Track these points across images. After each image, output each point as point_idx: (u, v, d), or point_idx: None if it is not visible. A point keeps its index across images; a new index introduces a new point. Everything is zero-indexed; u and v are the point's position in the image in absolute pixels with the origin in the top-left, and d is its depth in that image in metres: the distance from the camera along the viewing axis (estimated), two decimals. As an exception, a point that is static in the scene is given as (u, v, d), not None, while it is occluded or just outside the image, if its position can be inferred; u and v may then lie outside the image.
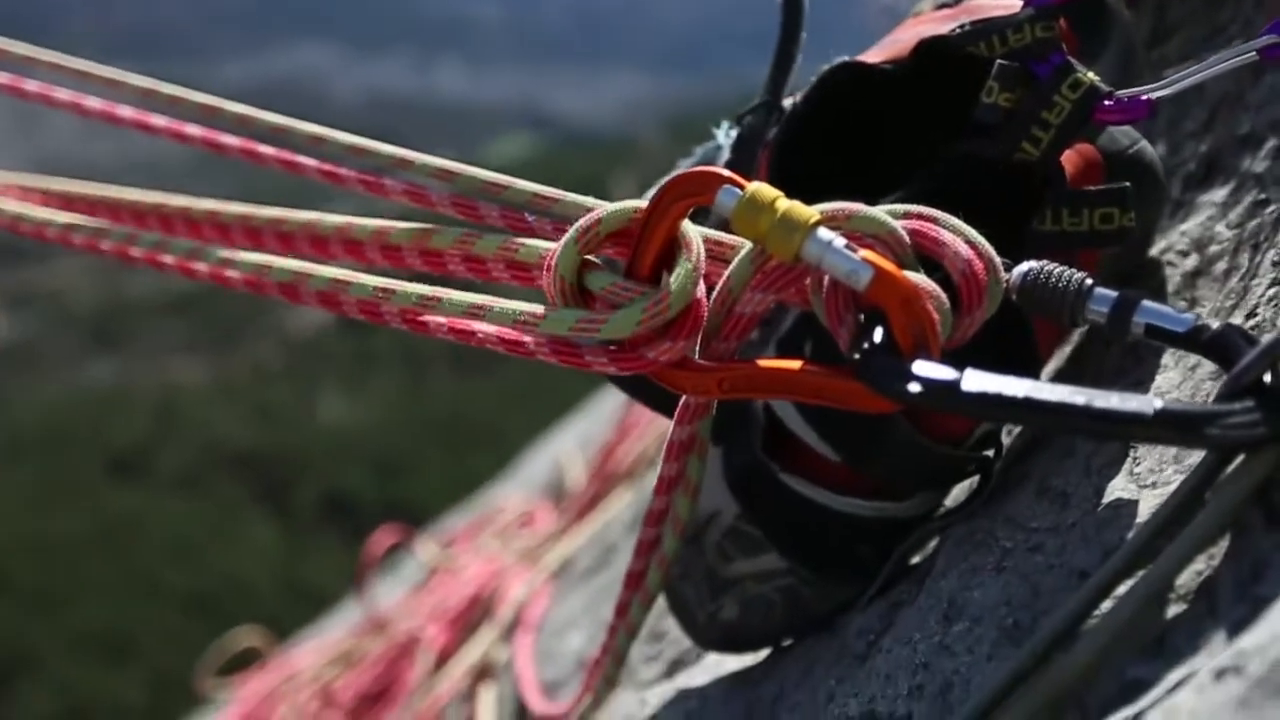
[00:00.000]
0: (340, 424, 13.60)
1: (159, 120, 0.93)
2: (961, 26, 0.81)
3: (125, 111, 0.95)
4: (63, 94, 0.99)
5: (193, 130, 0.91)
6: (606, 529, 1.98)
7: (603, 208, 0.68)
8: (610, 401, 2.73)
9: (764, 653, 0.97)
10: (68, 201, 0.96)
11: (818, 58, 0.88)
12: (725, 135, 0.91)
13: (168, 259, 0.86)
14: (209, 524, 11.57)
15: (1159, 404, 0.55)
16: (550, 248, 0.69)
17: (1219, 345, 0.60)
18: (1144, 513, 0.65)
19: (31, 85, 1.00)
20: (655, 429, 2.04)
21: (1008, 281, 0.66)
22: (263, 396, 14.41)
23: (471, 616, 2.02)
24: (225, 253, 0.84)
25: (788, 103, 0.88)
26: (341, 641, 2.42)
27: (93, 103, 0.97)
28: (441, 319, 0.74)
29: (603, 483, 2.13)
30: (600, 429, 2.53)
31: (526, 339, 0.70)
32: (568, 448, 2.73)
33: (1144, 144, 0.83)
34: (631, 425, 2.14)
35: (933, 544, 0.85)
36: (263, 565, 10.94)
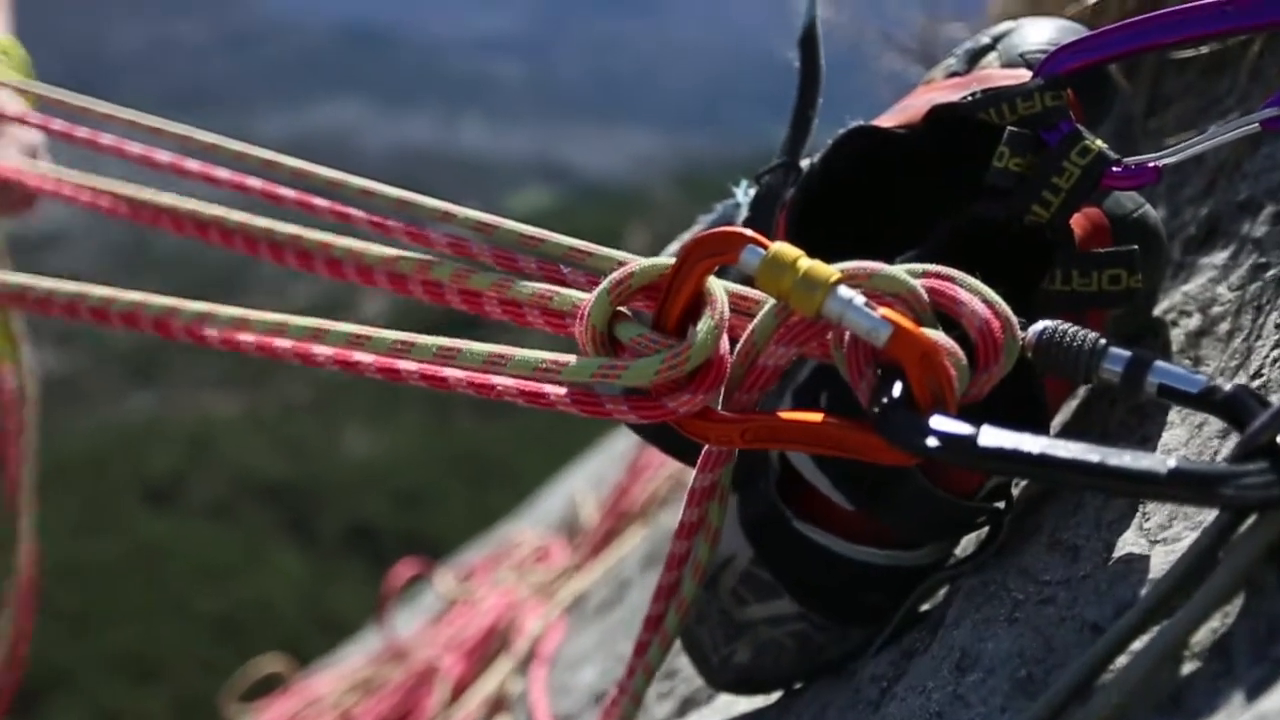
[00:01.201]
0: (365, 458, 13.57)
1: (222, 173, 0.94)
2: (972, 94, 0.80)
3: (192, 165, 0.96)
4: (134, 148, 0.99)
5: (253, 183, 0.91)
6: (619, 565, 1.95)
7: (635, 262, 0.67)
8: (622, 443, 2.71)
9: (776, 695, 0.94)
10: (115, 202, 0.97)
11: (828, 122, 0.87)
12: (744, 193, 0.90)
13: (176, 325, 0.86)
14: (237, 551, 11.51)
15: (1172, 463, 0.54)
16: (584, 298, 0.68)
17: (1231, 406, 0.58)
18: (1155, 568, 0.63)
19: (106, 139, 1.01)
20: (666, 470, 2.03)
21: (1023, 340, 0.65)
22: (291, 430, 14.40)
23: (488, 648, 1.99)
24: (239, 313, 0.83)
25: (804, 163, 0.87)
26: (362, 669, 2.38)
27: (162, 156, 0.97)
28: (461, 373, 0.72)
29: (615, 520, 2.11)
30: (613, 469, 2.51)
31: (547, 390, 0.68)
32: (582, 486, 2.71)
33: (1148, 208, 0.82)
34: (643, 466, 2.12)
35: (943, 593, 0.82)
36: (288, 592, 10.86)
